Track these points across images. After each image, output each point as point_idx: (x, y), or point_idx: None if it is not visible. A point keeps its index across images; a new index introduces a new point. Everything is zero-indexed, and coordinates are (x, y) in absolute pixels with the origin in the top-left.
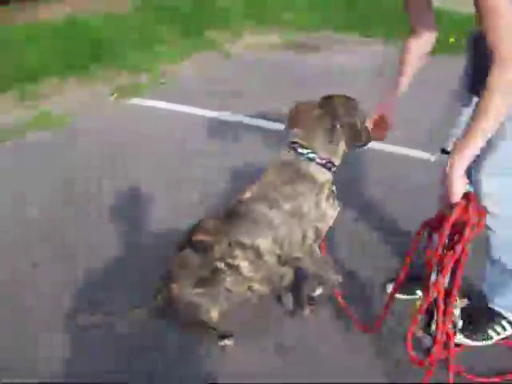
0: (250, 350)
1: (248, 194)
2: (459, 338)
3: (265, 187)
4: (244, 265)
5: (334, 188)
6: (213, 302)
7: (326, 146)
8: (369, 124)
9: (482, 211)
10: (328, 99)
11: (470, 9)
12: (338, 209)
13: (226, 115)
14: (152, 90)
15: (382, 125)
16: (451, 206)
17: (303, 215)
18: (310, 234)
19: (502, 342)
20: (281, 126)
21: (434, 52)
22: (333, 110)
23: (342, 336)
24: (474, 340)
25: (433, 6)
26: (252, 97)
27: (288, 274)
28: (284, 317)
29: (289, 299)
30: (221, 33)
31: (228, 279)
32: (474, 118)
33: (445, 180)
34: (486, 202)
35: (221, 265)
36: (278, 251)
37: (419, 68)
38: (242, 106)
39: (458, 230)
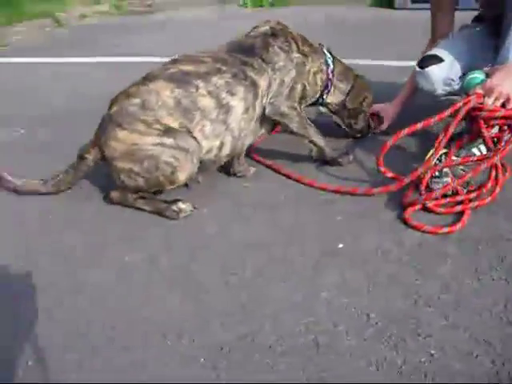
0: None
1: (265, 28)
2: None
3: (285, 31)
4: (239, 105)
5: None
6: (185, 159)
7: (340, 84)
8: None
9: None
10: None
11: None
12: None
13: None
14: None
15: (375, 119)
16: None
17: (303, 70)
18: (299, 88)
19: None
20: None
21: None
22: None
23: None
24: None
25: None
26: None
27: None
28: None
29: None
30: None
31: (207, 123)
32: None
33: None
34: None
35: (207, 101)
36: (265, 99)
37: None
38: None
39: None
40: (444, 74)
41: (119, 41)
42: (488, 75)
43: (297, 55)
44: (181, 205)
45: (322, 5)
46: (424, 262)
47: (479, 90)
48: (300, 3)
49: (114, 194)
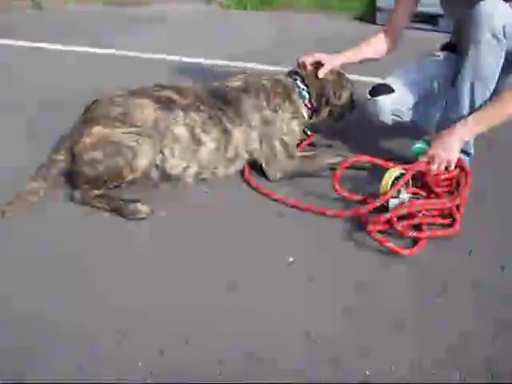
0: None
1: (237, 83)
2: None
3: (256, 85)
4: (211, 143)
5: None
6: (148, 144)
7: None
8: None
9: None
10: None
11: None
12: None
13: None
14: None
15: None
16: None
17: (274, 128)
18: (277, 145)
19: None
20: None
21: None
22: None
23: None
24: None
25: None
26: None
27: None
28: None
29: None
30: None
31: (178, 147)
32: (500, 102)
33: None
34: None
35: (182, 130)
36: (242, 150)
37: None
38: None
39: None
40: (393, 104)
41: (100, 31)
42: (429, 143)
43: (267, 112)
44: (139, 206)
45: (306, 11)
46: None
47: (424, 159)
48: (283, 8)
49: (76, 194)
